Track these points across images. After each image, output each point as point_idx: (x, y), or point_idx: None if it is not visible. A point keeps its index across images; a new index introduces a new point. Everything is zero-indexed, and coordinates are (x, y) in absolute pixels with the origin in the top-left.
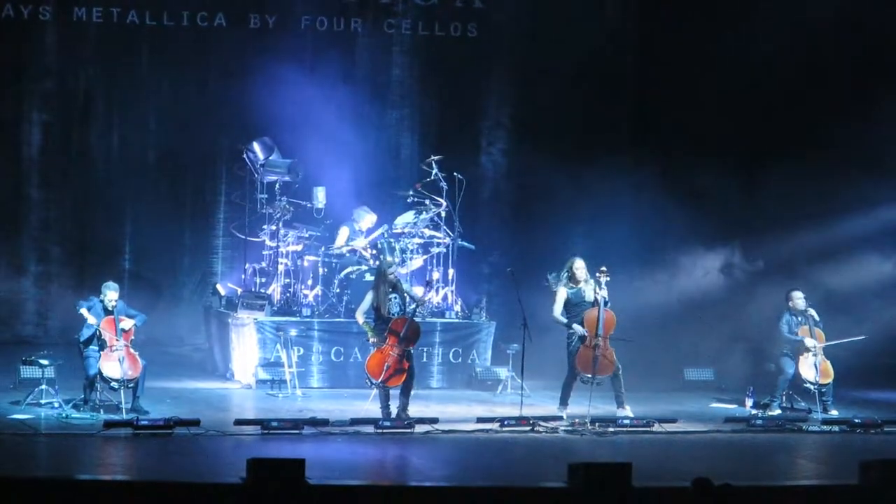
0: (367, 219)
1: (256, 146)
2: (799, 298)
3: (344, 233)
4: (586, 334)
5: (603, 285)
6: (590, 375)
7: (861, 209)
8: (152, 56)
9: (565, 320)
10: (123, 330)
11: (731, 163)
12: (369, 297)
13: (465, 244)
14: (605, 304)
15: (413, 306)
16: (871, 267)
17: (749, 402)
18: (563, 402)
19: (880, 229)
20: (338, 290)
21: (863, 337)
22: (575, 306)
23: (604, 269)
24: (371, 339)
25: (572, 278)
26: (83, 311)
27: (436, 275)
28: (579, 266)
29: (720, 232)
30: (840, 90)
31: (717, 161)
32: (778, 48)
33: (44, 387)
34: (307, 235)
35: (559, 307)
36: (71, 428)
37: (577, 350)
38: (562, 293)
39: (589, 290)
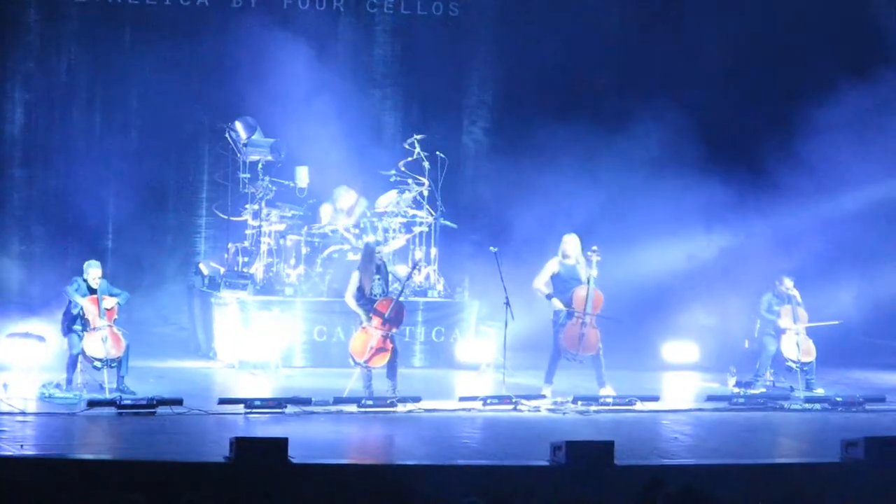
0: (345, 197)
1: (239, 125)
2: (789, 287)
3: (327, 210)
4: (565, 310)
5: (594, 265)
6: (574, 352)
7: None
8: (135, 35)
9: (547, 291)
10: (106, 309)
11: (724, 139)
12: (356, 279)
13: (448, 223)
14: (590, 282)
15: (397, 285)
16: (848, 243)
17: (731, 381)
18: (548, 379)
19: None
20: (320, 270)
21: (837, 322)
22: (564, 282)
23: (595, 248)
24: (365, 325)
25: (564, 253)
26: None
27: (419, 254)
28: (571, 241)
29: (708, 210)
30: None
31: (709, 139)
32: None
33: None
34: (290, 215)
35: (543, 278)
36: (54, 407)
37: (562, 327)
38: (551, 265)
39: (581, 268)
